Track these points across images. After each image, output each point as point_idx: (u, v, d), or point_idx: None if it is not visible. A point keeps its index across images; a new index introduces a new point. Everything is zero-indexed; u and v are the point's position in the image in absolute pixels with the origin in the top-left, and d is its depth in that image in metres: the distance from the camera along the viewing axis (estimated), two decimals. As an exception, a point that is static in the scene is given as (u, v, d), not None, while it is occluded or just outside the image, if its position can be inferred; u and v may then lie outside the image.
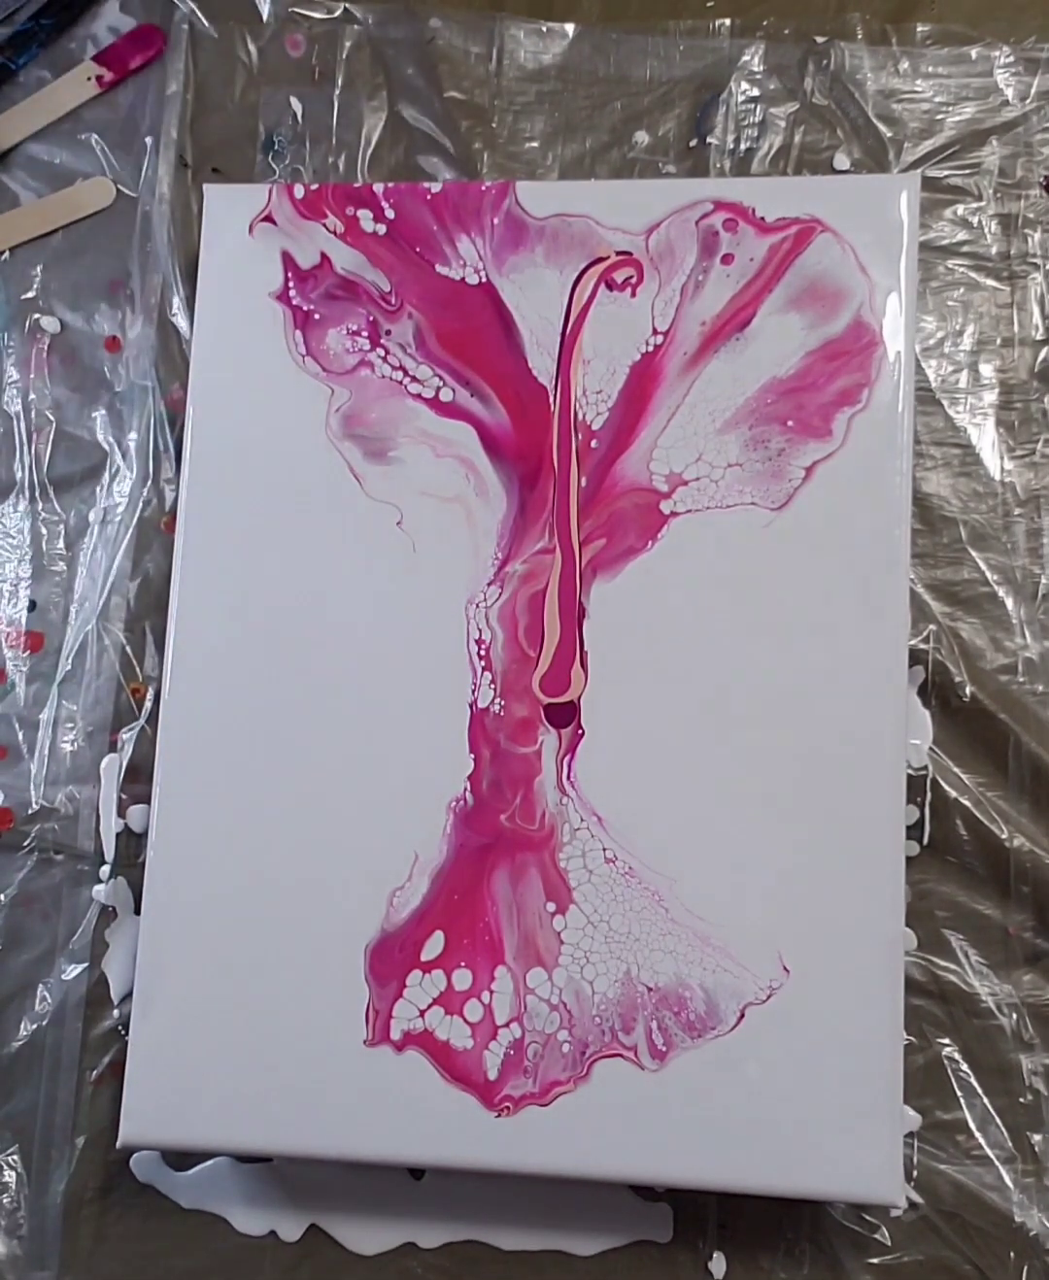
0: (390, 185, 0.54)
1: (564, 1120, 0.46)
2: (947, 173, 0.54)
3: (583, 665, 0.49)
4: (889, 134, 0.55)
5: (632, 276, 0.52)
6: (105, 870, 0.54)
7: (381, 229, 0.54)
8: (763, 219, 0.51)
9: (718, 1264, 0.48)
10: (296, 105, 0.58)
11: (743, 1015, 0.46)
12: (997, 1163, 0.48)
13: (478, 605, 0.50)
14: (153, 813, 0.51)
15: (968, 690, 0.50)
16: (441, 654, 0.50)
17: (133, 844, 0.54)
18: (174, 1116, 0.48)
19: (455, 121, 0.57)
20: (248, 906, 0.49)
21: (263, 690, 0.51)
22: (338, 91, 0.58)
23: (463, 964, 0.48)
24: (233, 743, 0.50)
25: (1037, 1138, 0.48)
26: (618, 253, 0.52)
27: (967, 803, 0.50)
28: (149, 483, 0.56)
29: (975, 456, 0.52)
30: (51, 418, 0.58)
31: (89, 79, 0.60)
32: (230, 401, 0.53)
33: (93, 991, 0.53)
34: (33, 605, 0.57)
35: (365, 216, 0.54)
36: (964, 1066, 0.48)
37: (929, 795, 0.50)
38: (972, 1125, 0.48)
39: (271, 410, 0.53)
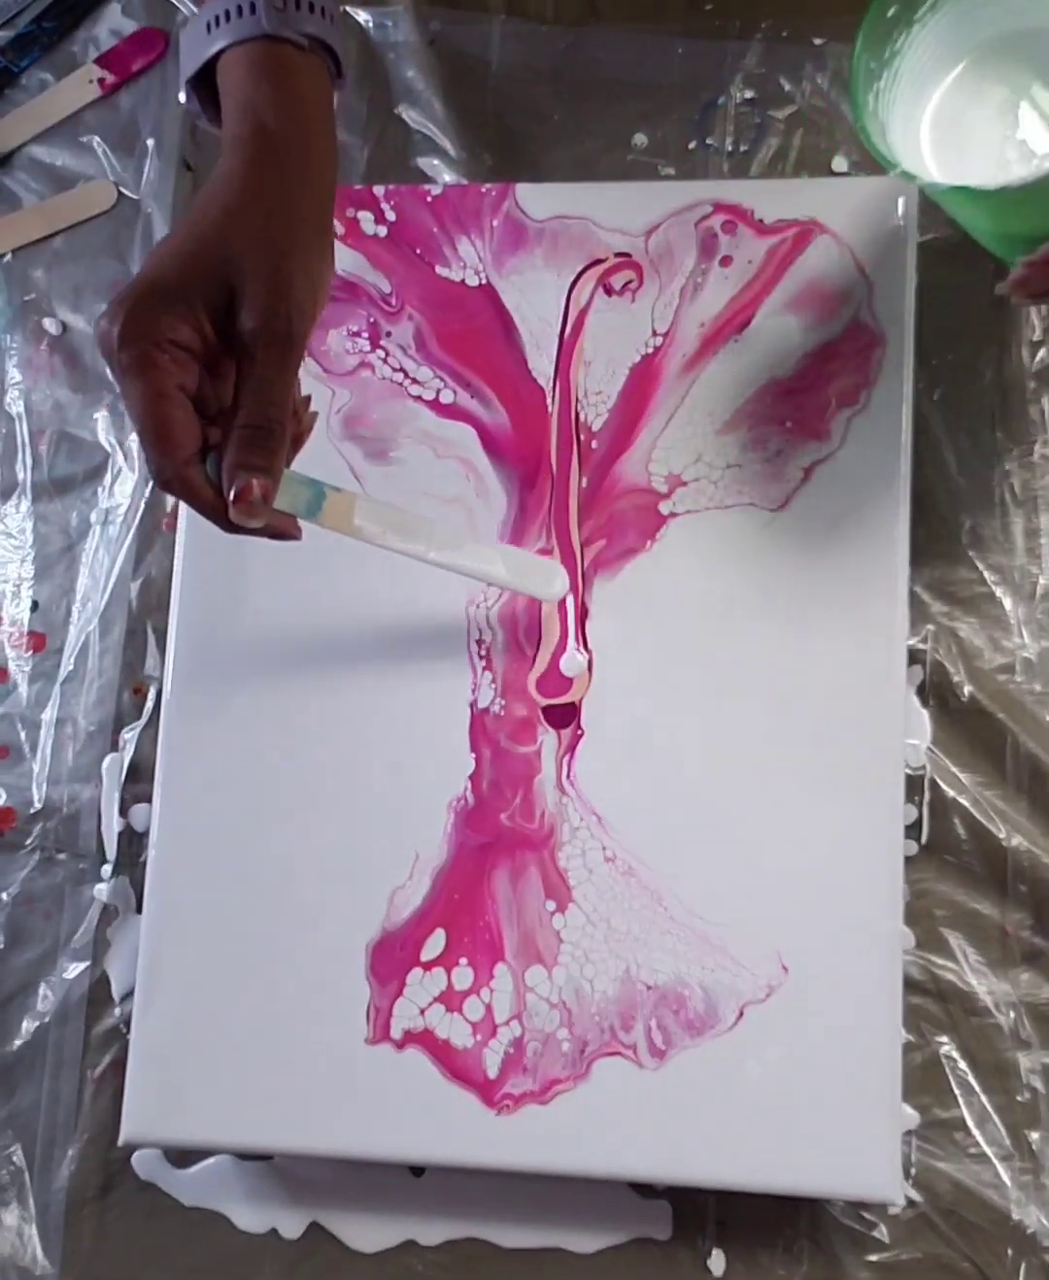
0: (390, 187, 0.54)
1: (564, 1118, 0.46)
2: (945, 174, 0.54)
3: (587, 667, 0.50)
4: (887, 136, 0.55)
5: (631, 280, 0.52)
6: (107, 869, 0.54)
7: (382, 231, 0.54)
8: (762, 221, 0.51)
9: (717, 1261, 0.48)
10: (297, 108, 0.58)
11: (742, 1014, 0.46)
12: (994, 1160, 0.48)
13: (478, 605, 0.51)
14: (154, 812, 0.51)
15: (966, 690, 0.50)
16: (442, 654, 0.50)
17: (134, 843, 0.54)
18: (175, 1114, 0.48)
19: (455, 124, 0.57)
20: (249, 905, 0.49)
21: (264, 690, 0.51)
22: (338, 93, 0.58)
23: (463, 962, 0.48)
24: (234, 742, 0.51)
25: (1034, 1135, 0.48)
26: (617, 255, 0.52)
27: (965, 802, 0.50)
28: (150, 484, 0.56)
29: (975, 456, 0.52)
30: (54, 419, 0.58)
31: (91, 81, 0.60)
32: (231, 403, 0.53)
33: (94, 990, 0.53)
34: (35, 605, 0.57)
35: (366, 218, 0.54)
36: (962, 1064, 0.48)
37: (927, 795, 0.50)
38: (970, 1123, 0.48)
39: (272, 411, 0.53)
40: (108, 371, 0.38)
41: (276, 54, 0.41)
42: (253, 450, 0.37)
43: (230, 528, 0.38)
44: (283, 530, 0.40)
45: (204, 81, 0.43)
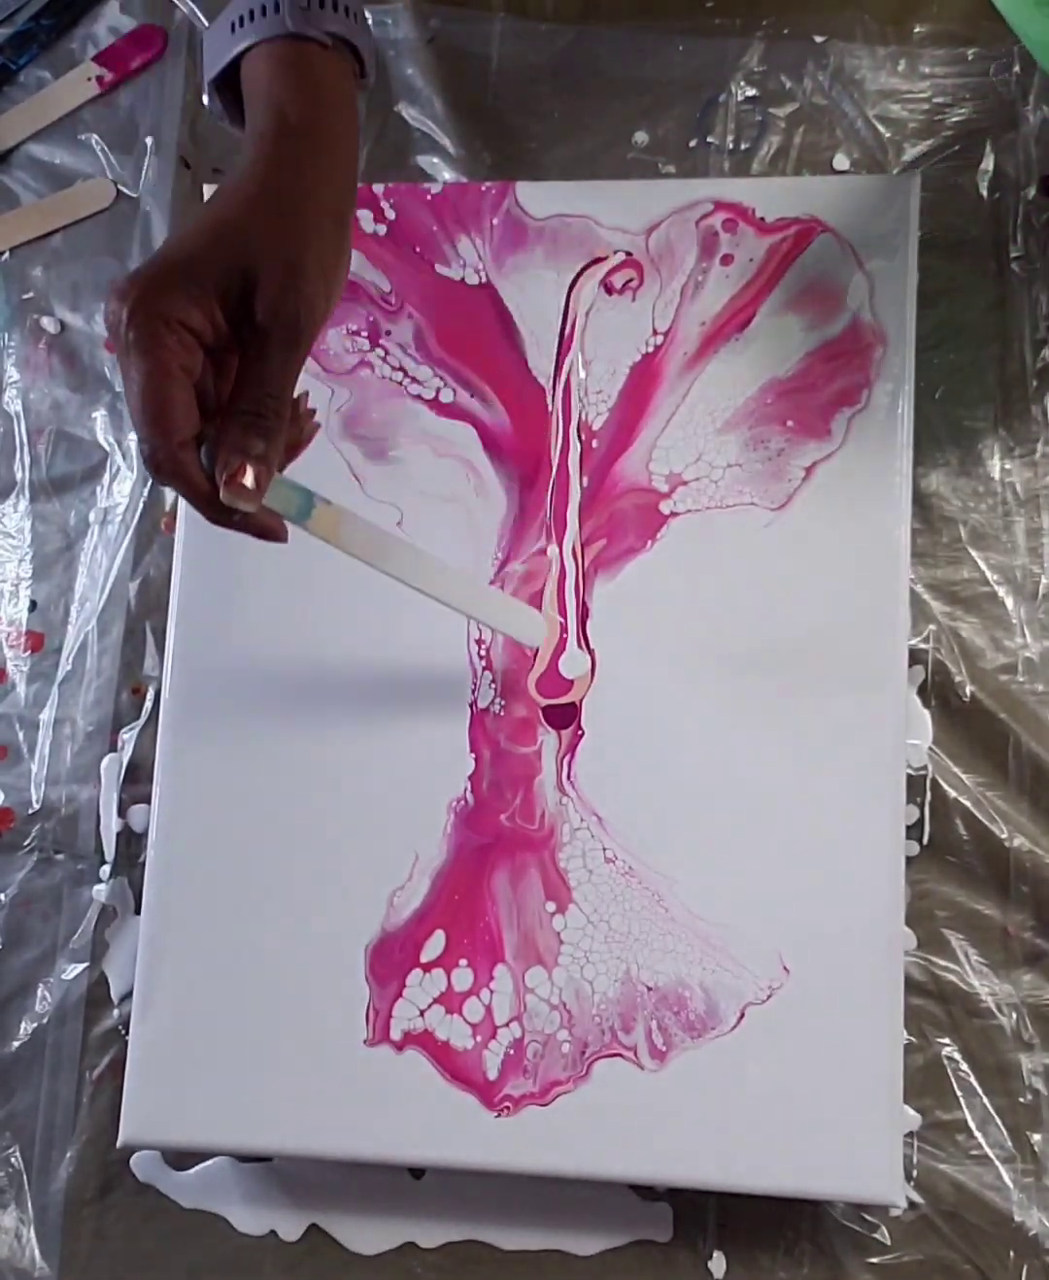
0: (390, 185, 0.54)
1: (564, 1120, 0.46)
2: (945, 172, 0.54)
3: (588, 667, 0.49)
4: (888, 134, 0.55)
5: (631, 279, 0.52)
6: (105, 870, 0.54)
7: (382, 229, 0.54)
8: (763, 219, 0.51)
9: (718, 1263, 0.48)
10: (296, 105, 0.58)
11: (743, 1015, 0.46)
12: (996, 1162, 0.48)
13: (478, 605, 0.50)
14: (153, 813, 0.51)
15: (968, 690, 0.50)
16: (442, 654, 0.50)
17: (133, 844, 0.54)
18: (174, 1116, 0.48)
19: (455, 121, 0.57)
20: (248, 906, 0.49)
21: (263, 690, 0.51)
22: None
23: (463, 963, 0.48)
24: (233, 743, 0.50)
25: (1036, 1137, 0.48)
26: (618, 252, 0.52)
27: (966, 802, 0.50)
28: (149, 483, 0.56)
29: (976, 456, 0.52)
30: (52, 418, 0.58)
31: (89, 79, 0.60)
32: (230, 402, 0.53)
33: (93, 991, 0.53)
34: (33, 605, 0.57)
35: (365, 217, 0.54)
36: (964, 1066, 0.48)
37: (929, 795, 0.50)
38: (971, 1125, 0.48)
39: (271, 410, 0.53)
40: (113, 350, 0.37)
41: (300, 52, 0.41)
42: (248, 434, 0.37)
43: (218, 517, 0.38)
44: (268, 527, 0.39)
45: (227, 84, 0.43)
